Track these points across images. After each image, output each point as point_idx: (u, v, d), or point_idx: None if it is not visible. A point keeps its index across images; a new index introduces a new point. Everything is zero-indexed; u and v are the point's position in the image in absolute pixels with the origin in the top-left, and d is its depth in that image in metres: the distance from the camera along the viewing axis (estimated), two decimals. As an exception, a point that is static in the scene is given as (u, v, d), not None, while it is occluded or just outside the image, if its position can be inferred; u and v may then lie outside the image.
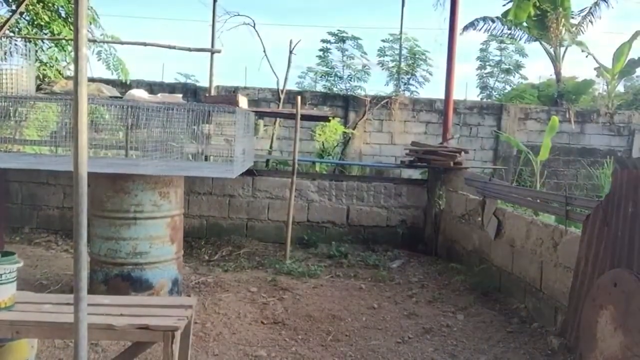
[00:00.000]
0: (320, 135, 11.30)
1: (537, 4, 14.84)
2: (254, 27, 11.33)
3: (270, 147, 12.01)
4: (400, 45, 14.65)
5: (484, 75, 17.18)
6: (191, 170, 5.20)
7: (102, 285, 4.56)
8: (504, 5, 15.66)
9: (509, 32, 16.09)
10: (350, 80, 14.64)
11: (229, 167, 5.39)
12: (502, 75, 17.05)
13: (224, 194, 7.51)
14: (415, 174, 10.28)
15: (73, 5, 2.04)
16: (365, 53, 14.77)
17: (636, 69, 15.92)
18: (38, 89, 9.42)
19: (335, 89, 14.39)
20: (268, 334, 4.23)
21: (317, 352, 3.95)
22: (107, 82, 10.39)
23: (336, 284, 5.76)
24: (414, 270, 6.44)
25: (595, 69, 15.90)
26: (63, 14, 10.75)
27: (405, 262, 6.80)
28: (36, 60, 9.83)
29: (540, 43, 15.76)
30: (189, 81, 16.22)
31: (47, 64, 10.60)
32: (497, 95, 16.92)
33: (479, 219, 6.01)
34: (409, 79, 14.64)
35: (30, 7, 10.09)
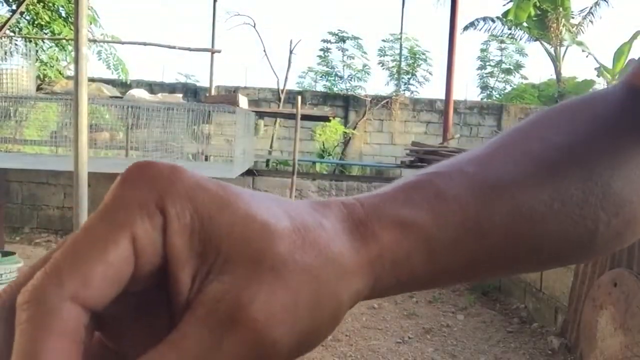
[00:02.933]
0: (320, 135, 11.31)
1: (537, 4, 14.85)
2: (254, 27, 11.35)
3: (271, 147, 12.02)
4: (401, 45, 14.66)
5: (484, 75, 17.18)
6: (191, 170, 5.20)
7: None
8: (504, 5, 15.68)
9: (509, 32, 16.10)
10: (350, 80, 14.65)
11: (229, 167, 5.39)
12: (503, 75, 17.05)
13: (224, 194, 7.51)
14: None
15: (73, 5, 2.04)
16: (365, 53, 14.79)
17: (636, 69, 15.91)
18: (38, 89, 9.43)
19: (335, 89, 14.40)
20: (268, 334, 4.23)
21: (317, 352, 3.96)
22: (107, 82, 10.39)
23: (336, 284, 5.76)
24: (414, 270, 6.44)
25: (595, 69, 15.91)
26: (63, 14, 10.77)
27: (406, 262, 6.81)
28: (36, 60, 9.83)
29: (541, 43, 15.77)
30: (189, 81, 16.24)
31: (48, 64, 10.61)
32: (497, 96, 16.93)
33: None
34: (409, 79, 14.66)
35: (31, 7, 10.10)
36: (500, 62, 16.87)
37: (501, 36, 16.32)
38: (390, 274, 0.29)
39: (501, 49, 16.78)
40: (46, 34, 10.39)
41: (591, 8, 15.60)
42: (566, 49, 15.76)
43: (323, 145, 11.92)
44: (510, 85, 17.09)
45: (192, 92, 12.96)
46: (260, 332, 0.22)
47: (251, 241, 0.24)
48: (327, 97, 13.64)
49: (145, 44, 8.58)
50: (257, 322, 0.22)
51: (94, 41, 10.60)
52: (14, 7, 9.70)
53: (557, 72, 15.84)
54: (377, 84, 37.33)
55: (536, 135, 0.37)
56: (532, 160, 0.35)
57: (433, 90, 33.37)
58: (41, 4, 10.31)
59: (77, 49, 1.99)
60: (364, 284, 0.28)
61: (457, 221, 0.31)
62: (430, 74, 14.68)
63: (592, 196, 0.35)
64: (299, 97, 6.94)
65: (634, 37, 15.06)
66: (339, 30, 14.60)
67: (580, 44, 15.51)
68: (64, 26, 10.46)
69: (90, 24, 10.74)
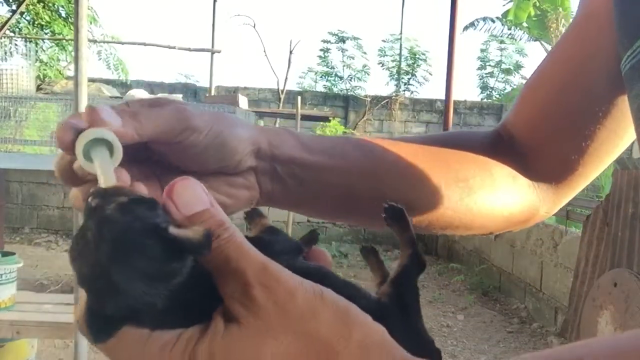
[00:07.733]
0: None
1: (537, 4, 14.85)
2: (254, 27, 11.35)
3: (271, 147, 11.98)
4: (401, 45, 14.65)
5: (484, 75, 17.18)
6: (191, 170, 5.20)
7: (102, 285, 4.56)
8: (504, 5, 15.67)
9: (509, 32, 16.09)
10: (350, 80, 14.64)
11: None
12: (503, 76, 17.05)
13: (224, 194, 7.50)
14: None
15: (73, 5, 2.04)
16: (365, 53, 14.78)
17: (636, 69, 15.90)
18: (38, 89, 9.43)
19: (335, 89, 14.39)
20: (268, 334, 4.23)
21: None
22: (107, 82, 10.39)
23: (336, 284, 5.75)
24: (414, 271, 6.43)
25: (595, 69, 15.89)
26: (63, 14, 10.77)
27: (406, 262, 6.80)
28: (36, 60, 9.83)
29: (541, 43, 15.76)
30: (189, 81, 16.22)
31: (48, 64, 10.62)
32: (497, 96, 16.93)
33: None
34: (409, 79, 14.65)
35: (31, 7, 10.10)
36: (500, 62, 16.86)
37: (501, 36, 16.32)
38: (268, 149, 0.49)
39: (501, 49, 16.77)
40: (46, 34, 10.40)
41: (591, 8, 15.59)
42: (566, 49, 15.74)
43: (323, 145, 11.90)
44: (510, 86, 17.09)
45: (192, 92, 12.94)
46: None
47: None
48: (327, 98, 13.64)
49: (145, 44, 8.58)
50: None
51: (94, 41, 10.60)
52: (14, 7, 9.70)
53: (557, 72, 15.82)
54: (377, 84, 37.34)
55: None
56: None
57: (433, 90, 33.38)
58: (41, 4, 10.31)
59: (77, 49, 1.99)
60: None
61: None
62: (430, 74, 14.68)
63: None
64: (299, 98, 6.94)
65: (634, 37, 15.04)
66: (339, 30, 14.60)
67: (580, 44, 15.50)
68: (64, 26, 10.46)
69: (90, 24, 10.74)
